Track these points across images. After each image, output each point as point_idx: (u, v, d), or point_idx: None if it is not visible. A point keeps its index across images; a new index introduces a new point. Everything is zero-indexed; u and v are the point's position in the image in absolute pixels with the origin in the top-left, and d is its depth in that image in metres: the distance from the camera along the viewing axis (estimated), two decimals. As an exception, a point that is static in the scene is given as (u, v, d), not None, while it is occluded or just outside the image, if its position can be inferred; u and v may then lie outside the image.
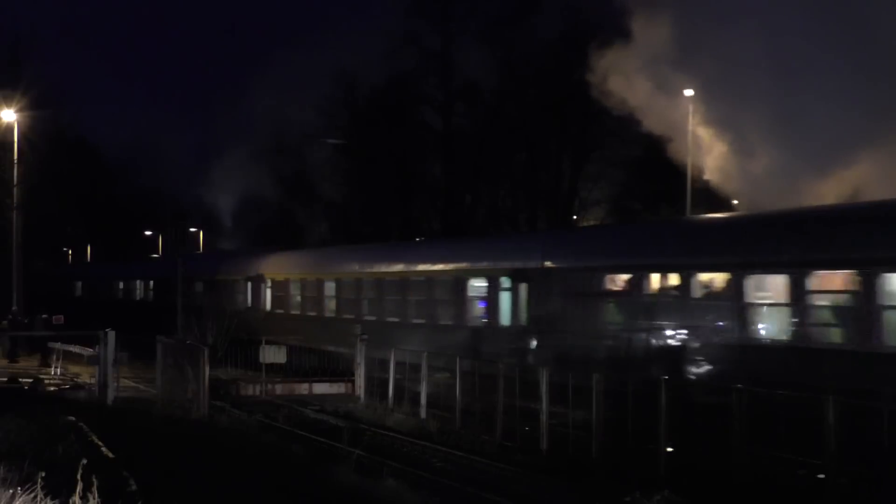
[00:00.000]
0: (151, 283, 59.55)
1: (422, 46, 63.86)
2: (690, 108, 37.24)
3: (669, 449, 18.07)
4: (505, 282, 28.58)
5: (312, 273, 40.95)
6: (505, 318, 28.55)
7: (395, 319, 33.92)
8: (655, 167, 57.86)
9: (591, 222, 59.20)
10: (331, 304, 39.00)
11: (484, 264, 30.39)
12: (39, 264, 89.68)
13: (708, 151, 32.32)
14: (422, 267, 33.61)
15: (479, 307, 30.15)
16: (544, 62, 59.69)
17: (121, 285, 65.12)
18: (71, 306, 62.19)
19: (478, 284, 30.17)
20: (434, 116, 66.40)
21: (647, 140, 57.08)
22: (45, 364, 38.46)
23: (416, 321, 32.84)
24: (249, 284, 45.17)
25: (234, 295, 46.41)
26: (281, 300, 42.90)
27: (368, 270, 36.67)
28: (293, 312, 41.56)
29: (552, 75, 58.61)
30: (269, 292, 43.83)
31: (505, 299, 28.67)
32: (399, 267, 34.91)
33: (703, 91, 32.72)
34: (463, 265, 31.38)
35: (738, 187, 30.47)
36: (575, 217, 61.21)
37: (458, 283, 30.98)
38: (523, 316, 27.74)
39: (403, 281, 34.07)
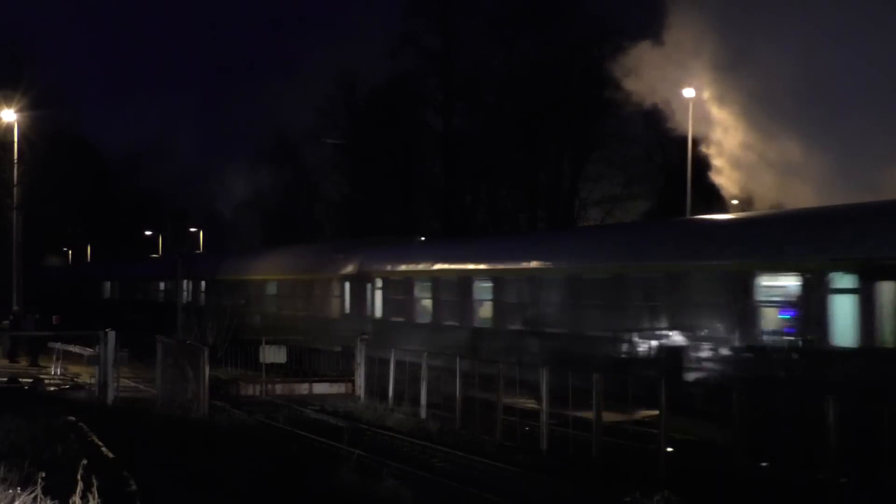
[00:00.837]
0: (203, 283, 49.89)
1: (422, 46, 63.94)
2: (690, 108, 37.32)
3: (669, 449, 18.09)
4: (841, 280, 18.98)
5: (454, 270, 30.72)
6: (843, 334, 18.71)
7: (603, 333, 24.37)
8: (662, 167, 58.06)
9: (591, 222, 59.21)
10: (483, 311, 29.39)
11: (792, 255, 20.10)
12: (54, 263, 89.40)
13: (736, 163, 31.49)
14: (657, 262, 23.50)
15: (779, 317, 20.78)
16: (545, 62, 59.71)
17: (162, 286, 55.86)
18: (99, 309, 58.94)
19: (775, 284, 20.61)
20: (434, 116, 66.49)
21: (651, 140, 57.53)
22: (35, 364, 38.41)
23: (643, 340, 23.01)
24: (347, 285, 35.89)
25: (323, 298, 37.55)
26: (399, 305, 33.16)
27: (552, 266, 27.17)
28: (421, 321, 31.84)
29: (552, 75, 58.63)
30: (378, 295, 34.15)
31: (843, 306, 18.89)
32: (612, 263, 24.96)
33: (742, 105, 31.20)
34: (747, 257, 21.02)
35: (773, 199, 28.31)
36: (575, 217, 61.29)
37: (735, 283, 21.02)
38: (888, 333, 18.11)
39: (619, 280, 24.21)
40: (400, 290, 33.09)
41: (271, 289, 42.28)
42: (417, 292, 32.24)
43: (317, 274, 38.41)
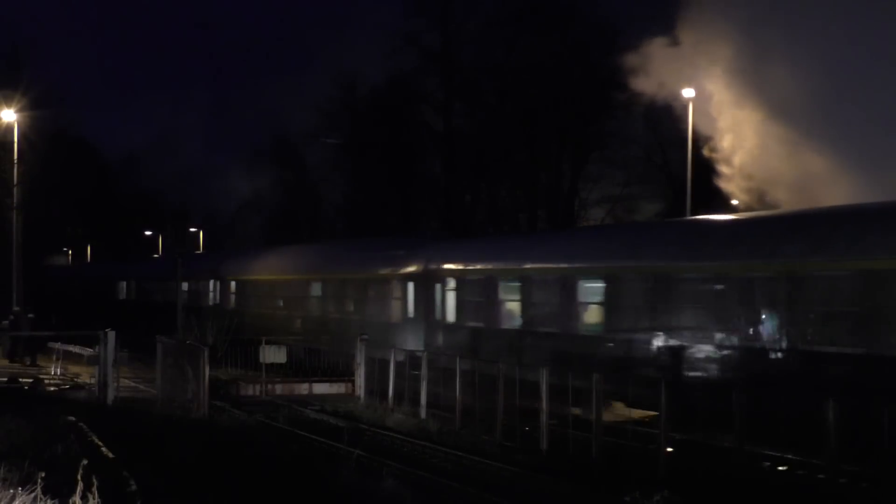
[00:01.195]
0: (233, 284, 45.20)
1: (422, 46, 63.91)
2: (690, 108, 37.29)
3: (669, 449, 18.10)
4: None
5: (553, 269, 26.21)
6: None
7: (778, 343, 19.32)
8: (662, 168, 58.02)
9: (591, 222, 59.19)
10: (590, 316, 24.88)
11: None
12: (63, 263, 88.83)
13: (750, 170, 30.82)
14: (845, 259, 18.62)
15: None
16: (545, 62, 59.69)
17: (185, 287, 50.86)
18: (114, 310, 55.41)
19: None
20: (434, 116, 66.45)
21: (651, 140, 57.50)
22: (33, 364, 38.35)
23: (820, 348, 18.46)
24: (411, 286, 31.79)
25: (380, 300, 33.54)
26: (477, 308, 28.86)
27: (695, 264, 21.95)
28: (506, 327, 27.46)
29: (552, 75, 58.62)
30: (451, 296, 29.99)
31: None
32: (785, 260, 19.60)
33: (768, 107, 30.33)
34: None
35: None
36: (575, 218, 61.24)
37: None
38: None
39: (794, 280, 19.23)
40: (479, 291, 28.73)
41: (315, 289, 38.26)
42: (502, 294, 27.90)
43: (372, 273, 34.42)
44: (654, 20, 34.48)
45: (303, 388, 29.05)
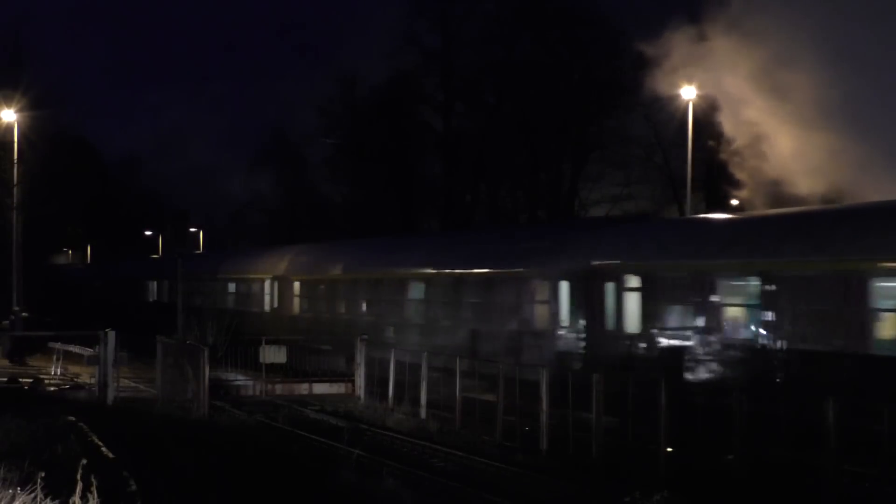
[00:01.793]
0: (296, 285, 38.66)
1: (422, 46, 63.99)
2: (690, 108, 37.27)
3: (669, 449, 18.09)
4: None
5: (820, 263, 18.83)
6: None
7: None
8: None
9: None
10: (887, 327, 17.53)
11: None
12: (69, 262, 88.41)
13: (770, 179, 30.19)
14: None
15: None
16: (545, 62, 59.69)
17: (232, 288, 44.41)
18: (145, 312, 52.48)
19: None
20: (434, 116, 66.48)
21: (651, 140, 57.42)
22: (24, 363, 38.28)
23: None
24: (564, 286, 25.30)
25: (513, 303, 27.19)
26: (678, 315, 22.01)
27: None
28: (730, 340, 20.67)
29: (552, 75, 58.61)
30: (632, 299, 23.13)
31: None
32: None
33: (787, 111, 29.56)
34: None
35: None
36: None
37: None
38: None
39: None
40: (683, 292, 21.93)
41: (415, 291, 31.52)
42: (722, 296, 21.04)
43: (503, 270, 27.93)
44: (659, 20, 34.25)
45: (302, 388, 29.03)
